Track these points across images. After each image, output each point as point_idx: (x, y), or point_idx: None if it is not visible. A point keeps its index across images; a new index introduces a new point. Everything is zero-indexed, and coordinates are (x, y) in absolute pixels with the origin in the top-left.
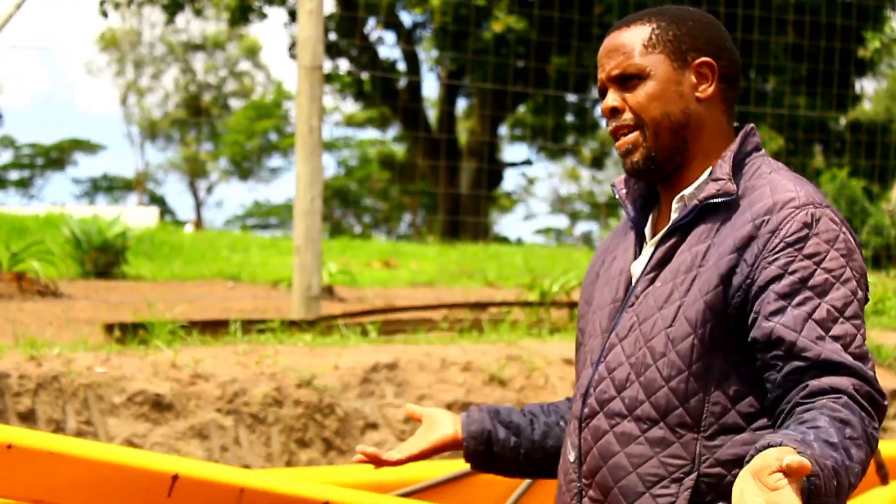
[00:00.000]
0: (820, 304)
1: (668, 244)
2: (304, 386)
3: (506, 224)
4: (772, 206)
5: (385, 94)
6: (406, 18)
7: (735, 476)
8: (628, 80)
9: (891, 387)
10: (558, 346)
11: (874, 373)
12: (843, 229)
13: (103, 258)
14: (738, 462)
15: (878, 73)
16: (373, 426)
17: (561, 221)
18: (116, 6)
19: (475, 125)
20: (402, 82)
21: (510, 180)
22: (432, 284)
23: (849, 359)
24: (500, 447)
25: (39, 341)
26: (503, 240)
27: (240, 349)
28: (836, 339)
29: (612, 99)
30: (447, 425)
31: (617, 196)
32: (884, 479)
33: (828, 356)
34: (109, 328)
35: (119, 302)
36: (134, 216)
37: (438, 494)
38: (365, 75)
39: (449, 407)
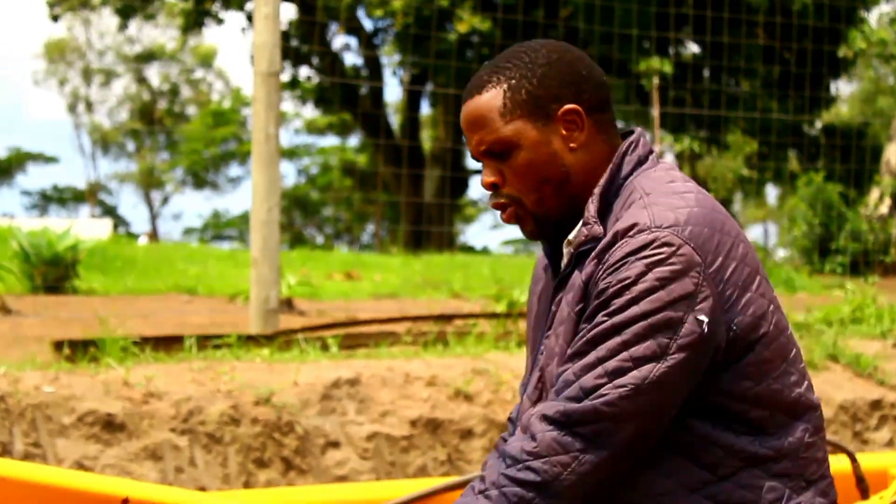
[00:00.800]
0: (591, 352)
1: (557, 298)
2: (262, 403)
3: (472, 233)
4: (612, 240)
5: (346, 99)
6: (367, 23)
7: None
8: (498, 154)
9: (871, 397)
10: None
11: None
12: (683, 250)
13: (53, 272)
14: (670, 492)
15: (853, 74)
16: (334, 444)
17: None
18: (70, 9)
19: (439, 131)
20: (364, 88)
21: (476, 188)
22: (396, 296)
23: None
24: None
25: None
26: (469, 249)
27: (195, 366)
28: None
29: (489, 174)
30: None
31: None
32: (864, 493)
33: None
34: (58, 345)
35: (69, 318)
36: (86, 228)
37: None
38: (317, 80)
39: (413, 424)
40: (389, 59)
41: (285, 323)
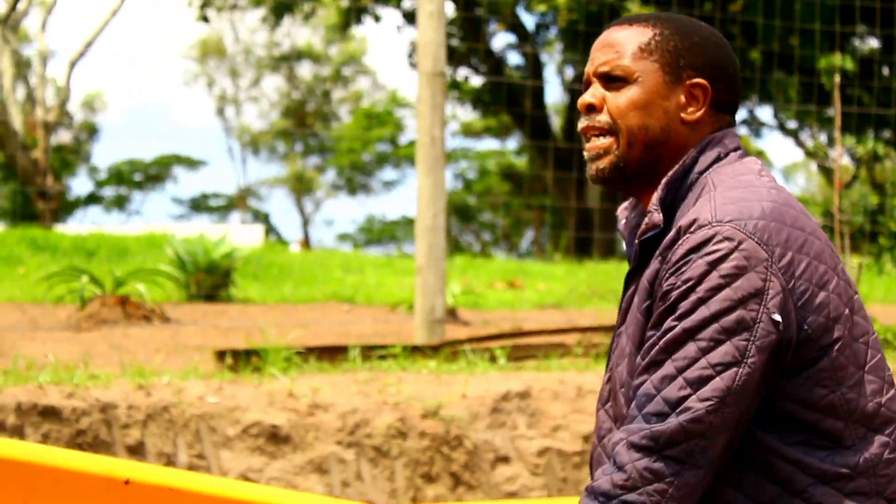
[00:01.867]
0: (668, 360)
1: (628, 293)
2: (429, 416)
3: None
4: (675, 236)
5: (507, 100)
6: (528, 20)
7: None
8: (614, 81)
9: None
10: None
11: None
12: (746, 244)
13: (209, 280)
14: None
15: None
16: (504, 460)
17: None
18: (219, 10)
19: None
20: (526, 89)
21: None
22: (561, 306)
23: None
24: None
25: (148, 369)
26: None
27: (360, 377)
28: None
29: (591, 95)
30: None
31: (618, 228)
32: None
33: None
34: (221, 355)
35: (229, 327)
36: (238, 235)
37: None
38: (479, 81)
39: (586, 439)
40: (550, 57)
41: (450, 333)
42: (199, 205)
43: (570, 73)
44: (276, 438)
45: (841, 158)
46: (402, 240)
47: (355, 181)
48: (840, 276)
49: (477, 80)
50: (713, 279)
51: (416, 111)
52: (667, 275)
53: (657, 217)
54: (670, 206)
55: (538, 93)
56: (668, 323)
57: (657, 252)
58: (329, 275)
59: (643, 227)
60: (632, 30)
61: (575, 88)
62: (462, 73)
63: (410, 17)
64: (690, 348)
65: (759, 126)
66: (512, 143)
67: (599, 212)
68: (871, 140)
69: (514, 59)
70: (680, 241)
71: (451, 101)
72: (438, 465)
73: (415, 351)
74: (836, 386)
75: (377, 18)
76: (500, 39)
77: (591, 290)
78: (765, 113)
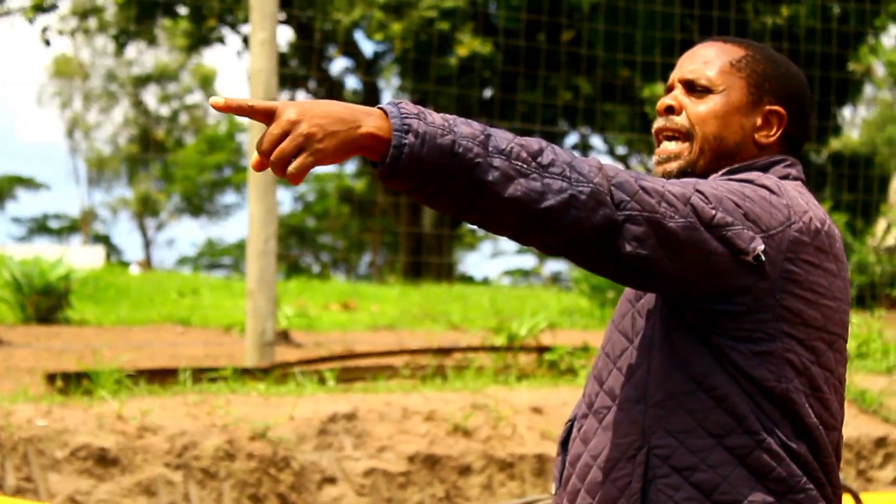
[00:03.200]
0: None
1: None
2: (257, 438)
3: (471, 263)
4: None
5: None
6: (366, 47)
7: (687, 445)
8: (697, 89)
9: (875, 434)
10: (526, 394)
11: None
12: (782, 201)
13: (45, 302)
14: (689, 430)
15: (863, 99)
16: (330, 480)
17: (529, 261)
18: (61, 33)
19: None
20: None
21: None
22: (394, 328)
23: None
24: None
25: None
26: (468, 280)
27: (190, 399)
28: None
29: (672, 98)
30: None
31: None
32: None
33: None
34: (51, 378)
35: (62, 349)
36: (78, 257)
37: None
38: None
39: (411, 459)
40: (388, 83)
41: (281, 355)
42: (40, 226)
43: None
44: (104, 461)
45: None
46: (240, 262)
47: (197, 204)
48: (844, 335)
49: None
50: (739, 189)
51: (249, 138)
52: None
53: None
54: None
55: None
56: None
57: None
58: (166, 297)
59: None
60: (726, 46)
61: None
62: (301, 97)
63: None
64: (688, 179)
65: (588, 151)
66: (350, 166)
67: (433, 236)
68: None
69: (351, 83)
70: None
71: None
72: (266, 487)
73: (245, 373)
74: (781, 376)
75: (221, 41)
76: (338, 65)
77: (423, 312)
78: (596, 140)
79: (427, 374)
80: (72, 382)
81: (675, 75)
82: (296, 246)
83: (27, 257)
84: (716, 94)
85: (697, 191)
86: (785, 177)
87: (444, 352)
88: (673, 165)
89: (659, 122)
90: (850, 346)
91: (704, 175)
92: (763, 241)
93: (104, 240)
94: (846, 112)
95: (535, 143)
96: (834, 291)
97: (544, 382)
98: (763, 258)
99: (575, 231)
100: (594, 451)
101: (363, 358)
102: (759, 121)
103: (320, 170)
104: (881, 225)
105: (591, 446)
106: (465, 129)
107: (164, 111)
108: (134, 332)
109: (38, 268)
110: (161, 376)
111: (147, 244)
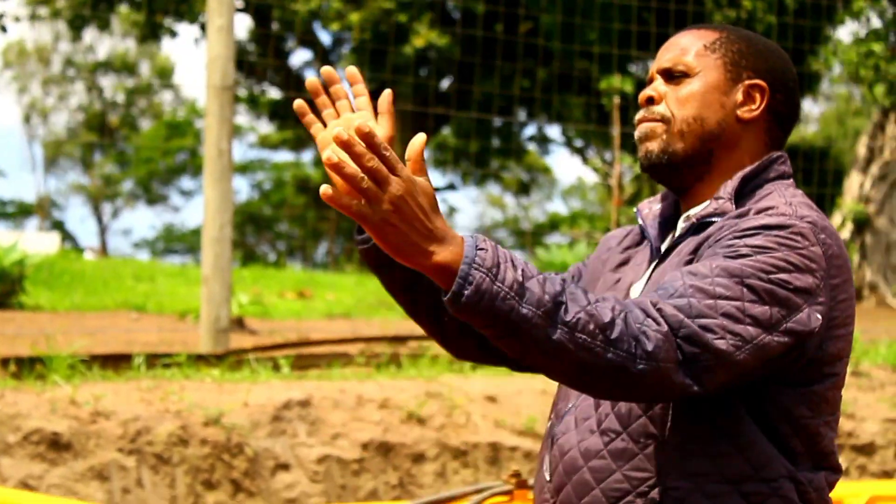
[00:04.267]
0: (712, 278)
1: (661, 266)
2: (211, 424)
3: None
4: (744, 212)
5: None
6: (324, 36)
7: (703, 490)
8: (675, 76)
9: None
10: (481, 382)
11: (711, 360)
12: (814, 248)
13: None
14: (707, 474)
15: (817, 94)
16: (284, 467)
17: None
18: (17, 19)
19: (395, 149)
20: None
21: None
22: (349, 316)
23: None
24: None
25: None
26: None
27: (143, 385)
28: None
29: (652, 89)
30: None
31: (639, 219)
32: None
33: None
34: (4, 362)
35: (16, 334)
36: (33, 242)
37: None
38: (272, 94)
39: (365, 447)
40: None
41: (236, 342)
42: None
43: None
44: (56, 445)
45: (621, 176)
46: (197, 249)
47: (154, 190)
48: (852, 327)
49: (274, 93)
50: (781, 259)
51: (205, 124)
52: (729, 234)
53: (728, 206)
54: (736, 198)
55: None
56: (727, 253)
57: (716, 224)
58: (121, 283)
59: (710, 210)
60: (700, 32)
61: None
62: (260, 86)
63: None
64: (736, 282)
65: (547, 143)
66: (308, 154)
67: None
68: None
69: (310, 74)
70: (753, 216)
71: (248, 114)
72: (219, 473)
73: (199, 360)
74: (819, 414)
75: (173, 34)
76: (298, 56)
77: (379, 300)
78: (553, 131)
79: (382, 363)
80: (25, 367)
81: (653, 68)
82: (252, 234)
83: None
84: (693, 78)
85: (748, 287)
86: (781, 175)
87: (399, 340)
88: (654, 144)
89: (640, 113)
90: None
91: (691, 159)
92: (816, 308)
93: (59, 226)
94: (809, 105)
95: (608, 311)
96: (853, 313)
97: (499, 372)
98: (816, 328)
99: (646, 397)
100: (599, 475)
101: (318, 345)
102: (739, 97)
103: (279, 158)
104: (836, 219)
105: (595, 467)
106: (537, 292)
107: (120, 98)
108: (88, 318)
109: None
110: (115, 362)
111: (102, 231)
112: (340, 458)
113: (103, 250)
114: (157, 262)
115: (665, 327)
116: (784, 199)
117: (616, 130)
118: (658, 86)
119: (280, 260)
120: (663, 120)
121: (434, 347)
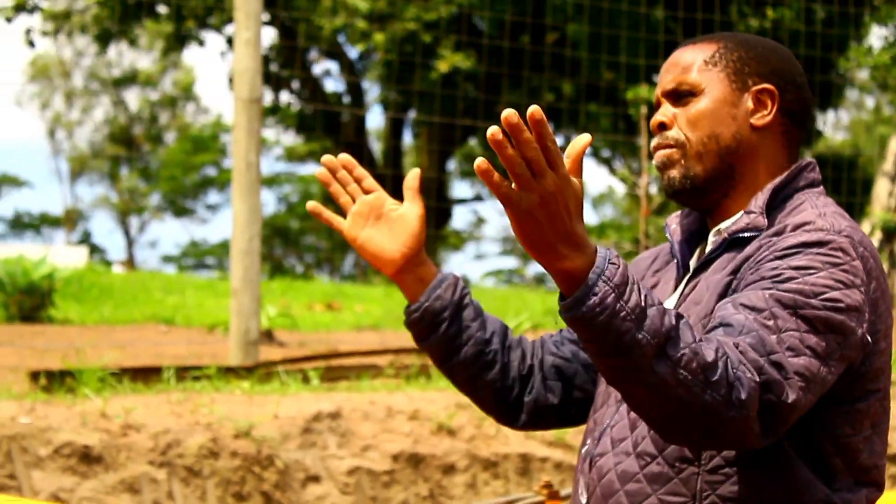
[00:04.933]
0: (768, 310)
1: (693, 282)
2: (241, 436)
3: (455, 263)
4: (781, 229)
5: (328, 126)
6: (351, 49)
7: None
8: (682, 97)
9: None
10: None
11: (789, 398)
12: (855, 263)
13: (29, 301)
14: (742, 499)
15: (843, 103)
16: (314, 479)
17: (512, 262)
18: (44, 34)
19: (422, 160)
20: (346, 115)
21: (459, 217)
22: (378, 328)
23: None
24: (457, 317)
25: None
26: None
27: (173, 398)
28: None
29: (661, 114)
30: (414, 231)
31: (667, 234)
32: None
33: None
34: (35, 376)
35: (45, 348)
36: (61, 256)
37: None
38: (298, 106)
39: (395, 458)
40: (372, 85)
41: (265, 354)
42: (20, 224)
43: (391, 99)
44: (87, 458)
45: (648, 186)
46: (224, 262)
47: (180, 204)
48: (892, 339)
49: (300, 106)
50: (828, 278)
51: (233, 137)
52: (769, 255)
53: (761, 220)
54: (767, 211)
55: (360, 119)
56: (773, 281)
57: (752, 242)
58: (150, 296)
59: (742, 225)
60: (696, 47)
61: (395, 117)
62: (285, 98)
63: (232, 43)
64: (793, 314)
65: None
66: None
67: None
68: None
69: (336, 85)
70: (790, 234)
71: (275, 126)
72: (250, 485)
73: (229, 372)
74: (860, 430)
75: (201, 43)
76: (323, 67)
77: None
78: None
79: (411, 374)
80: (55, 380)
81: (658, 90)
82: (279, 247)
83: (10, 256)
84: (700, 96)
85: (803, 318)
86: (811, 183)
87: None
88: (674, 171)
89: (654, 140)
90: None
91: (713, 177)
92: (865, 325)
93: (86, 238)
94: (830, 115)
95: (712, 352)
96: (893, 323)
97: None
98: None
99: (724, 445)
100: (634, 499)
101: (347, 357)
102: (750, 105)
103: (305, 170)
104: (865, 227)
105: (630, 491)
106: (656, 321)
107: (145, 112)
108: (117, 331)
109: (21, 267)
110: (145, 375)
111: (130, 244)
112: (371, 469)
113: (131, 263)
114: (186, 276)
115: (757, 377)
116: (818, 211)
117: (643, 141)
118: (666, 110)
119: (307, 272)
120: (678, 145)
121: None
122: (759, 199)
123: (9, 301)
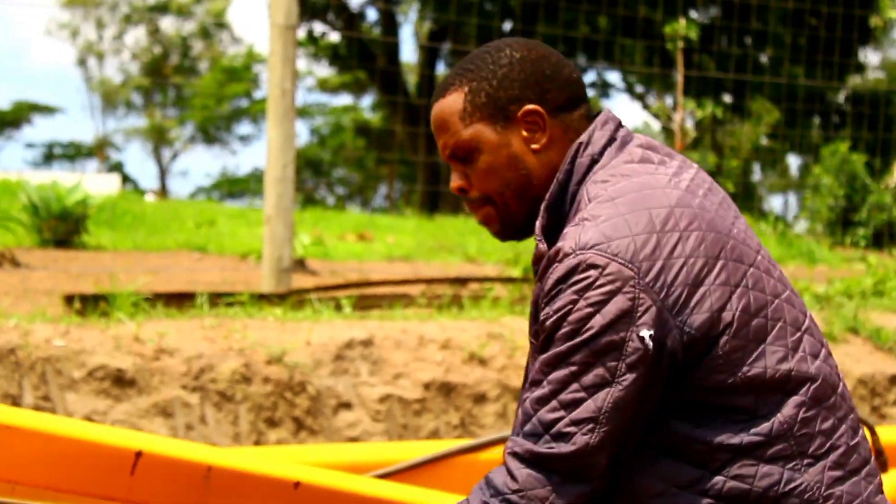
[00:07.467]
0: (544, 381)
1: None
2: (273, 362)
3: None
4: (546, 265)
5: (362, 57)
6: None
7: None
8: (461, 158)
9: (890, 371)
10: None
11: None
12: (609, 268)
13: (62, 227)
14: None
15: (885, 42)
16: (346, 405)
17: None
18: None
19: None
20: (380, 46)
21: None
22: (409, 259)
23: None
24: None
25: None
26: None
27: (206, 323)
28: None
29: (456, 179)
30: None
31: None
32: (883, 466)
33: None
34: (69, 299)
35: (79, 272)
36: (94, 184)
37: (416, 477)
38: (336, 37)
39: (426, 387)
40: (405, 17)
41: (297, 282)
42: (54, 152)
43: (425, 28)
44: (121, 382)
45: (683, 121)
46: (255, 192)
47: (212, 134)
48: (726, 258)
49: (334, 36)
50: (582, 308)
51: (268, 64)
52: (543, 303)
53: (542, 247)
54: (556, 228)
55: (393, 50)
56: (546, 348)
57: (536, 278)
58: (182, 224)
59: (535, 256)
60: (447, 101)
61: (429, 45)
62: (319, 28)
63: None
64: (564, 372)
65: (607, 88)
66: (367, 99)
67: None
68: (710, 104)
69: (370, 15)
70: (550, 270)
71: (308, 57)
72: (281, 410)
73: (262, 299)
74: (734, 368)
75: None
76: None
77: (439, 243)
78: (613, 76)
79: (443, 304)
80: (89, 304)
81: (441, 154)
82: (311, 178)
83: (44, 182)
84: (475, 152)
85: (574, 364)
86: (591, 163)
87: (461, 282)
88: (495, 227)
89: (465, 203)
90: (867, 284)
91: (526, 215)
92: (642, 322)
93: (119, 167)
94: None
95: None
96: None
97: None
98: (650, 343)
99: None
100: None
101: (379, 286)
102: (523, 133)
103: (337, 102)
104: None
105: None
106: None
107: (177, 41)
108: (150, 258)
109: (55, 192)
110: (178, 300)
111: (162, 173)
112: (402, 397)
113: (163, 193)
114: (217, 205)
115: (539, 472)
116: (575, 228)
117: (680, 76)
118: (459, 175)
119: (339, 204)
120: (485, 202)
121: (495, 289)
122: (538, 224)
123: (43, 226)
